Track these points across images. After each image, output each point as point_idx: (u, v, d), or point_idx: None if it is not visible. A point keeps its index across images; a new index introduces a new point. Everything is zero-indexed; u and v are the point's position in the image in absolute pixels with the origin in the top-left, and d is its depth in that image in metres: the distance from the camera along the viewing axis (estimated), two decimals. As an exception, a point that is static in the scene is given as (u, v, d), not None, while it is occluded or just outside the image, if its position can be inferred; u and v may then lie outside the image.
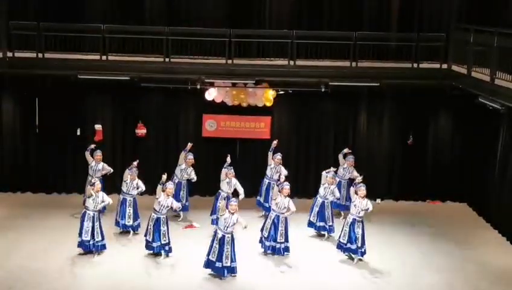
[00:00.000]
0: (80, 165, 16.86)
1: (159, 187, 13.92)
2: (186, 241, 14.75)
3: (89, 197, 13.86)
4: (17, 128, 17.72)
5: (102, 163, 16.26)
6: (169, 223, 14.25)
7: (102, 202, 14.02)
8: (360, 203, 13.89)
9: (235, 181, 15.43)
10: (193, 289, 12.78)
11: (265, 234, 14.21)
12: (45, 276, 13.02)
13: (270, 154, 16.36)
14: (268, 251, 14.24)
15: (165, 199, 13.88)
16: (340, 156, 16.60)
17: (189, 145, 16.22)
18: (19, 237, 14.89)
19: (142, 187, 15.14)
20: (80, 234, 13.85)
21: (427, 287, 13.09)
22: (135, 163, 15.29)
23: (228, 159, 15.63)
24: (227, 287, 12.90)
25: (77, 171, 17.37)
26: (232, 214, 13.06)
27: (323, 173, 15.41)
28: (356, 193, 14.01)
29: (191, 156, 16.21)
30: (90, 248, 13.91)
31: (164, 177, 13.98)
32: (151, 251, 14.01)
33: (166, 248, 14.01)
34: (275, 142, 16.45)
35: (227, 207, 13.18)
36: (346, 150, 16.64)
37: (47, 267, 13.41)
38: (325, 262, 14.07)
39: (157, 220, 13.91)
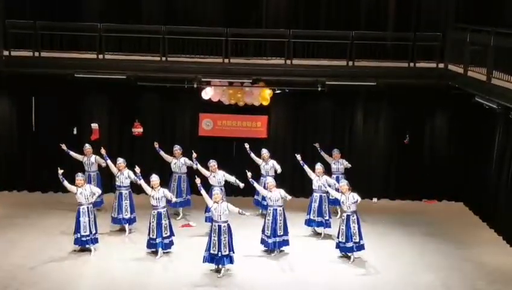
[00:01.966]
0: (76, 164, 16.81)
1: (142, 184, 14.03)
2: (183, 240, 14.74)
3: (75, 193, 13.88)
4: (14, 127, 17.71)
5: (94, 156, 16.28)
6: (170, 217, 14.30)
7: (93, 194, 14.03)
8: (347, 198, 13.91)
9: (222, 173, 15.44)
10: (189, 287, 12.76)
11: (268, 233, 14.24)
12: (41, 275, 13.00)
13: (252, 156, 16.35)
14: (273, 248, 14.24)
15: (156, 191, 13.91)
16: (324, 155, 16.69)
17: (156, 144, 16.27)
18: (15, 236, 14.87)
19: (133, 176, 15.07)
20: (77, 231, 13.84)
21: (423, 286, 13.09)
22: (103, 151, 15.59)
23: (194, 155, 15.69)
24: (223, 284, 12.90)
25: (73, 170, 17.29)
26: (218, 203, 13.13)
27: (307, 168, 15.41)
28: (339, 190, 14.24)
29: (176, 148, 16.28)
30: (88, 243, 13.92)
31: (137, 169, 14.22)
32: (154, 249, 13.99)
33: (167, 241, 14.00)
34: (247, 145, 16.40)
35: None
36: (317, 145, 16.80)
37: (43, 266, 13.39)
38: (322, 261, 14.07)
39: (159, 214, 13.92)
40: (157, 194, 13.92)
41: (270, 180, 14.44)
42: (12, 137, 17.74)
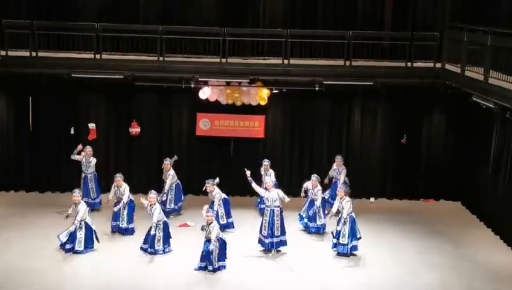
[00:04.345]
0: (74, 164, 16.83)
1: (144, 202, 14.19)
2: (181, 240, 14.72)
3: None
4: (11, 127, 17.65)
5: (93, 159, 16.35)
6: (167, 227, 14.26)
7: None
8: (341, 206, 14.20)
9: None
10: (186, 287, 12.78)
11: (265, 233, 14.24)
12: (38, 275, 13.00)
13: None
14: (270, 248, 14.26)
15: (150, 207, 14.05)
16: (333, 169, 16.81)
17: (171, 161, 16.34)
18: (11, 236, 14.85)
19: (127, 195, 15.07)
20: (72, 241, 13.98)
21: (421, 285, 13.11)
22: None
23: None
24: (220, 284, 12.92)
25: (71, 170, 17.35)
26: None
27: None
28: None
29: (166, 161, 16.28)
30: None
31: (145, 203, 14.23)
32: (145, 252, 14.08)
33: (160, 251, 14.13)
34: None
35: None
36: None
37: (40, 266, 13.38)
38: (320, 261, 14.09)
39: (166, 223, 14.23)
40: (150, 210, 14.03)
41: (268, 180, 14.44)
42: (10, 137, 17.69)
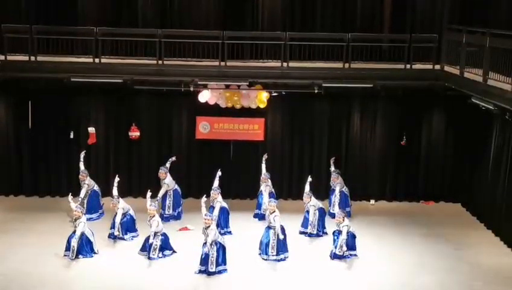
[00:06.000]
0: (73, 168, 16.82)
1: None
2: (181, 243, 14.71)
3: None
4: (10, 132, 17.64)
5: (86, 185, 16.22)
6: (167, 239, 14.31)
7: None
8: (338, 227, 14.37)
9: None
10: (186, 289, 12.83)
11: (261, 250, 14.25)
12: (39, 279, 13.00)
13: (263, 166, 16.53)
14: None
15: (150, 218, 14.09)
16: (332, 172, 16.90)
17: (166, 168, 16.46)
18: (12, 241, 14.83)
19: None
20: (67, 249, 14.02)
21: (421, 287, 13.11)
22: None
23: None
24: (219, 288, 12.93)
25: (70, 174, 17.35)
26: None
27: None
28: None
29: (161, 170, 16.30)
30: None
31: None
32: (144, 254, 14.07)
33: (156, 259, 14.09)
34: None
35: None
36: (332, 161, 17.10)
37: (41, 270, 13.38)
38: (319, 263, 14.09)
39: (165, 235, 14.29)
40: (149, 222, 14.09)
41: (273, 204, 14.38)
42: (9, 141, 17.67)
